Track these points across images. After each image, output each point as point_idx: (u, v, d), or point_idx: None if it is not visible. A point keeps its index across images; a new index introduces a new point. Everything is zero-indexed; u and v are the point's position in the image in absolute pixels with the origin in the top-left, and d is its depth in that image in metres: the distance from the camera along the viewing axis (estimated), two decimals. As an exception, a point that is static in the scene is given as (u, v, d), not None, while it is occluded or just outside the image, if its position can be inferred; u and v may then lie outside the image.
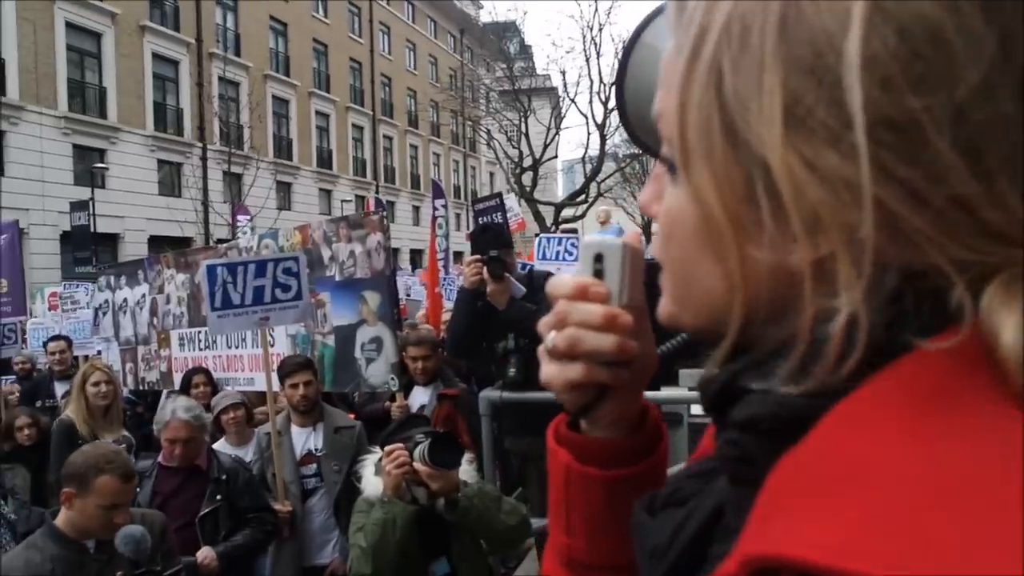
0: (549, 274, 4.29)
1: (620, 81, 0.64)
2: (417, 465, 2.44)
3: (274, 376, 4.32)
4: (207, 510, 3.39)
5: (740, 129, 0.41)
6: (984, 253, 0.37)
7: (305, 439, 4.03)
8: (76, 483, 2.59)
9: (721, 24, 0.42)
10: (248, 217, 18.45)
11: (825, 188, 0.38)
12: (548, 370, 0.59)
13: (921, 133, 0.37)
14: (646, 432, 0.67)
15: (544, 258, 7.56)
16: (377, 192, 33.02)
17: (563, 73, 24.73)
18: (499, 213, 8.40)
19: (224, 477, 3.48)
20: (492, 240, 3.69)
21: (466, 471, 2.60)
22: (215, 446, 4.16)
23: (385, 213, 5.49)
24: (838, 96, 0.37)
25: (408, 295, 11.23)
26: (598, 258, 0.58)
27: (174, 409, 3.59)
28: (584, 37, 22.96)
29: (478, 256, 3.59)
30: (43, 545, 2.57)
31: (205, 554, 3.24)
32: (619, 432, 0.65)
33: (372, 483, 2.62)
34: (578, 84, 29.95)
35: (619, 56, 0.66)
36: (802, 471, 0.36)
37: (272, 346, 4.79)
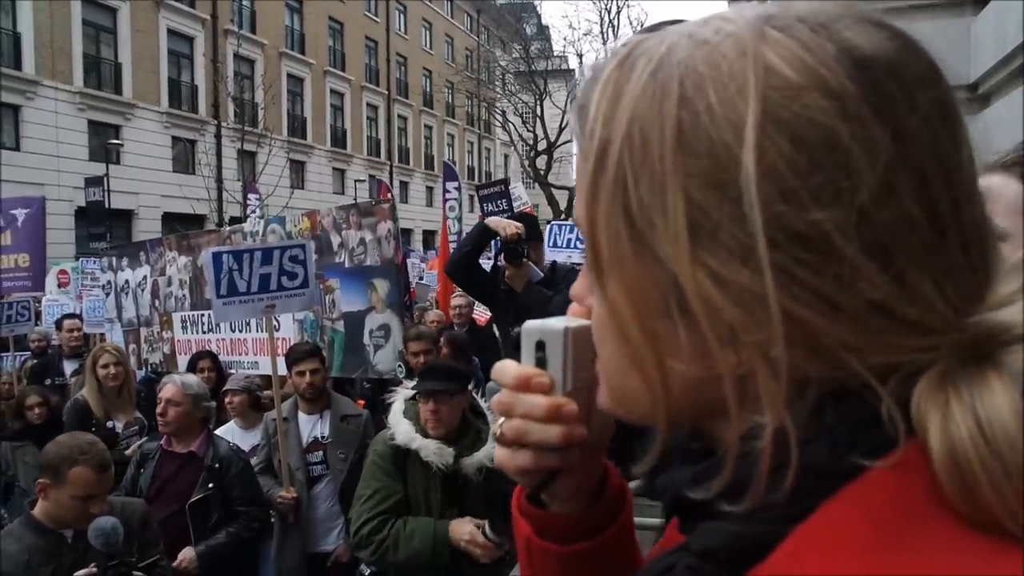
0: (572, 267, 4.26)
1: None
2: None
3: (281, 361, 4.32)
4: (197, 497, 3.38)
5: (649, 243, 0.40)
6: (906, 351, 0.37)
7: (312, 426, 4.02)
8: (51, 474, 2.58)
9: (622, 135, 0.40)
10: (258, 196, 18.39)
11: (739, 306, 0.37)
12: (499, 455, 0.59)
13: (829, 242, 0.36)
14: (607, 501, 0.66)
15: (555, 246, 7.33)
16: (391, 173, 32.96)
17: (580, 55, 24.31)
18: (503, 200, 8.29)
19: (217, 465, 3.46)
20: (525, 232, 3.65)
21: (487, 454, 2.81)
22: (224, 428, 4.19)
23: (392, 195, 5.43)
24: (742, 211, 0.37)
25: (420, 279, 11.24)
26: (539, 346, 0.56)
27: (174, 376, 3.74)
28: (602, 19, 22.75)
29: (519, 229, 3.54)
30: (20, 534, 2.58)
31: (185, 555, 3.25)
32: (578, 505, 0.65)
33: (401, 430, 2.85)
34: (595, 67, 29.27)
35: None
36: None
37: (277, 330, 4.78)
